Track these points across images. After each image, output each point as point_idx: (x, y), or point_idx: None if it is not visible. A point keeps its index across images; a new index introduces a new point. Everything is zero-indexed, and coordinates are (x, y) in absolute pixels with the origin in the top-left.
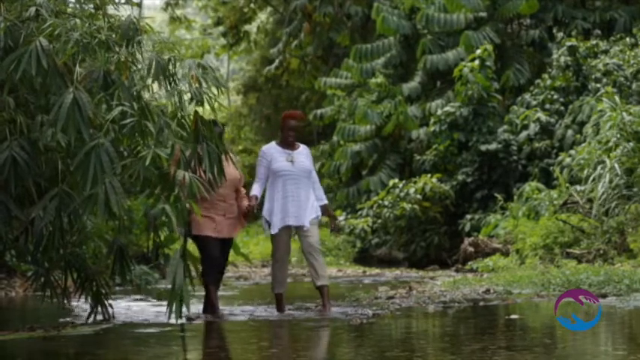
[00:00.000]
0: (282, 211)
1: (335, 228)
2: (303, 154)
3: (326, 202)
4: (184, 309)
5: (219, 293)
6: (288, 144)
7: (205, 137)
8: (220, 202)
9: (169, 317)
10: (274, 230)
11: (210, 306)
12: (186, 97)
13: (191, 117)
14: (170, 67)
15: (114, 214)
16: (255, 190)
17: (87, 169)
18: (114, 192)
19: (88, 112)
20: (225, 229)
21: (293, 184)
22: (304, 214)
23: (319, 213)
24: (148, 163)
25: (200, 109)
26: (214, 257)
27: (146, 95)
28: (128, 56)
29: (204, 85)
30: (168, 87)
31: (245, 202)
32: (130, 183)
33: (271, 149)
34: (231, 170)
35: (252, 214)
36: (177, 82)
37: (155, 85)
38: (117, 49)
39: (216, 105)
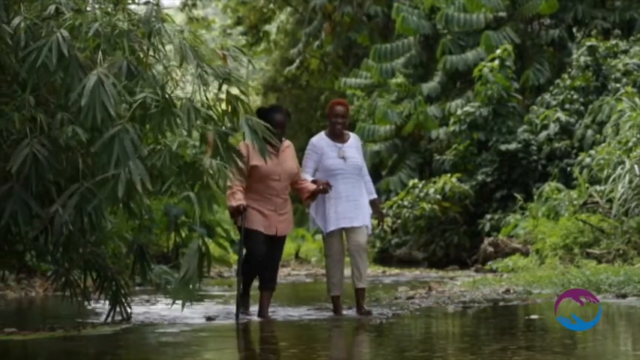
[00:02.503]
0: (336, 211)
1: (382, 225)
2: (353, 146)
3: (375, 196)
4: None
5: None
6: (337, 134)
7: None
8: (273, 196)
9: (172, 306)
10: (327, 230)
11: (241, 301)
12: (213, 87)
13: (217, 108)
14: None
15: (134, 212)
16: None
17: (110, 154)
18: (137, 173)
19: (113, 92)
20: (275, 225)
21: (346, 183)
22: (361, 213)
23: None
24: (175, 148)
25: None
26: (258, 253)
27: (170, 90)
28: (150, 47)
29: (230, 64)
30: (194, 72)
31: (311, 185)
32: (151, 175)
33: (321, 142)
34: (289, 163)
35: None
36: (204, 66)
37: (178, 78)
38: (137, 45)
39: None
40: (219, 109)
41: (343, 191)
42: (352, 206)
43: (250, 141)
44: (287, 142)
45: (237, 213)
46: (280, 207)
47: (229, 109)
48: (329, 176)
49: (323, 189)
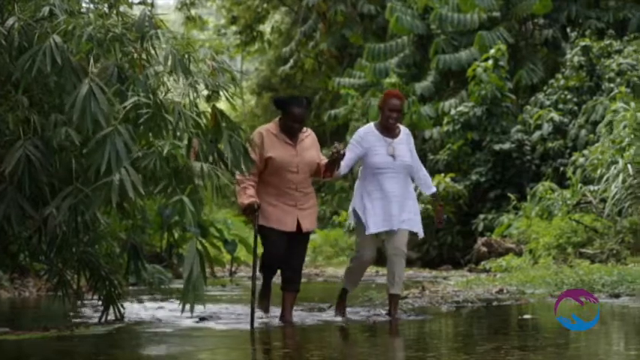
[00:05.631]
0: (384, 212)
1: (442, 220)
2: (403, 142)
3: (434, 190)
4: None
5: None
6: (388, 128)
7: (226, 129)
8: (291, 189)
9: (183, 311)
10: (370, 231)
11: (259, 300)
12: (203, 93)
13: (207, 114)
14: (186, 61)
15: (127, 213)
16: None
17: (102, 156)
18: (129, 179)
19: (105, 102)
20: (298, 221)
21: (394, 183)
22: (407, 216)
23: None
24: (165, 152)
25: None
26: (274, 252)
27: (161, 94)
28: (142, 51)
29: (219, 78)
30: (185, 81)
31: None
32: (144, 177)
33: (370, 136)
34: (310, 153)
35: (340, 158)
36: (193, 76)
37: (170, 83)
38: (130, 47)
39: (232, 98)
40: (209, 117)
41: (391, 191)
42: (399, 208)
43: (231, 159)
44: (307, 131)
45: (249, 211)
46: (301, 201)
47: (214, 124)
48: (376, 174)
49: (337, 152)
